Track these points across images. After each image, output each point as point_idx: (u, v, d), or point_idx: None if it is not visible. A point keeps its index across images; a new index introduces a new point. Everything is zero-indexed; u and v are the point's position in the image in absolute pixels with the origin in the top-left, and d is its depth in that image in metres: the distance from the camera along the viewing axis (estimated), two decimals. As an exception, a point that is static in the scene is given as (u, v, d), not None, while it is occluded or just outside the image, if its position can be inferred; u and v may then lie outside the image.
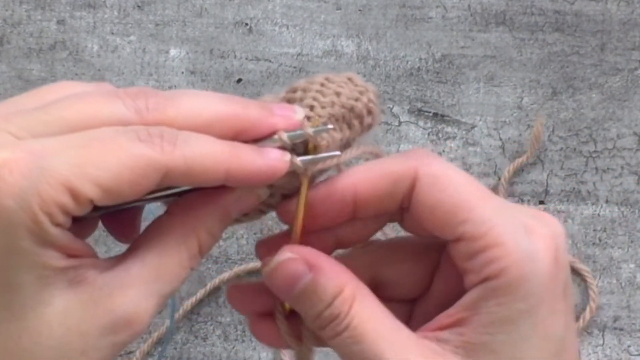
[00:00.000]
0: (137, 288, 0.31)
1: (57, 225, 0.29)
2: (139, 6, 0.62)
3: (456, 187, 0.32)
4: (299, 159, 0.34)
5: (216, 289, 0.58)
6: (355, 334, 0.32)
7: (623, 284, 0.59)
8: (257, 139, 0.33)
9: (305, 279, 0.33)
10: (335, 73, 0.37)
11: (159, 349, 0.58)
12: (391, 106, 0.61)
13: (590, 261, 0.59)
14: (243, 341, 0.58)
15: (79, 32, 0.61)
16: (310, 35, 0.61)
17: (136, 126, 0.31)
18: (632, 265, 0.59)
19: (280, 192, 0.36)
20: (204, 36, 0.61)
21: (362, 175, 0.34)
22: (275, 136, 0.33)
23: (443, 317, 0.33)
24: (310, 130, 0.34)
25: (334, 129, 0.35)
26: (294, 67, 0.61)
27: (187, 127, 0.31)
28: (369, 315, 0.32)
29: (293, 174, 0.34)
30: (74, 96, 0.32)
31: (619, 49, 0.62)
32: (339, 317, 0.32)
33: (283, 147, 0.33)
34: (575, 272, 0.58)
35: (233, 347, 0.58)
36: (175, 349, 0.58)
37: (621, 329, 0.58)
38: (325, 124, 0.35)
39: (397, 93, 0.61)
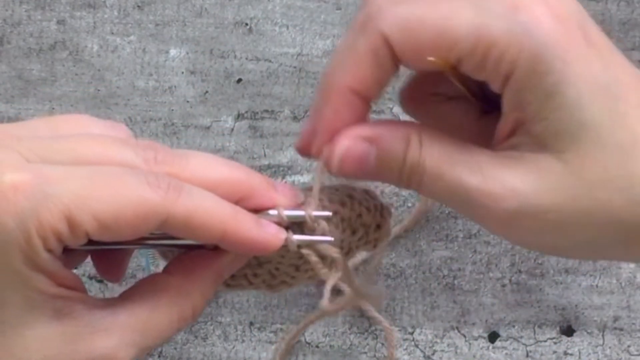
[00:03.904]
0: (120, 335, 0.31)
1: (49, 250, 0.29)
2: (139, 6, 0.62)
3: (424, 19, 0.31)
4: (294, 237, 0.34)
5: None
6: (433, 174, 0.32)
7: (623, 284, 0.59)
8: (256, 210, 0.34)
9: (372, 155, 0.33)
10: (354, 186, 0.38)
11: (159, 349, 0.58)
12: (391, 106, 0.61)
13: (590, 261, 0.59)
14: (243, 341, 0.58)
15: (79, 32, 0.61)
16: (310, 35, 0.61)
17: (146, 170, 0.31)
18: (632, 265, 0.59)
19: (268, 268, 0.37)
20: (204, 36, 0.61)
21: (345, 73, 0.33)
22: (273, 211, 0.34)
23: (501, 128, 0.32)
24: (309, 212, 0.34)
25: (332, 219, 0.35)
26: (294, 67, 0.61)
27: (192, 184, 0.32)
28: (439, 152, 0.32)
29: (283, 250, 0.34)
30: (88, 134, 0.33)
31: (619, 49, 0.62)
32: (414, 169, 0.32)
33: (279, 223, 0.34)
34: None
35: (233, 347, 0.58)
36: (175, 349, 0.58)
37: (621, 329, 0.58)
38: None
39: (397, 93, 0.61)
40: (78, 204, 0.29)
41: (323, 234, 0.35)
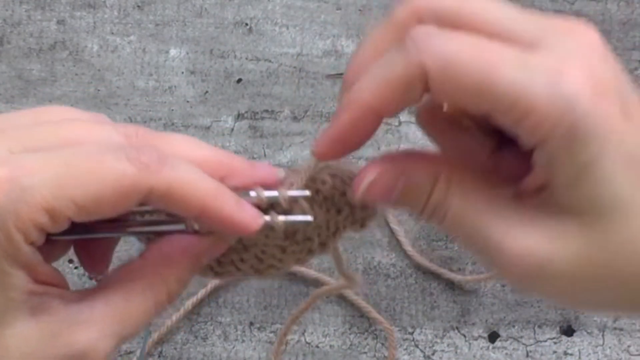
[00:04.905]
0: (98, 327, 0.31)
1: (31, 243, 0.29)
2: (139, 6, 0.62)
3: (468, 65, 0.30)
4: (279, 218, 0.35)
5: (216, 289, 0.58)
6: (457, 218, 0.32)
7: (623, 284, 0.59)
8: (236, 189, 0.34)
9: (398, 188, 0.33)
10: (341, 166, 0.38)
11: (160, 349, 0.58)
12: (391, 106, 0.61)
13: (590, 261, 0.59)
14: (243, 341, 0.58)
15: (79, 32, 0.61)
16: (310, 35, 0.61)
17: (127, 145, 0.31)
18: (632, 265, 0.59)
19: (254, 252, 0.37)
20: (204, 36, 0.61)
21: (373, 94, 0.32)
22: (253, 192, 0.34)
23: (530, 181, 0.32)
24: (285, 193, 0.35)
25: (314, 198, 0.36)
26: (294, 67, 0.61)
27: None
28: (466, 196, 0.32)
29: (267, 230, 0.35)
30: (68, 119, 0.33)
31: (619, 49, 0.62)
32: (438, 207, 0.32)
33: (258, 204, 0.34)
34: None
35: (233, 347, 0.58)
36: (175, 349, 0.58)
37: (621, 329, 0.58)
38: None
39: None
40: (56, 193, 0.29)
41: (303, 213, 0.35)
